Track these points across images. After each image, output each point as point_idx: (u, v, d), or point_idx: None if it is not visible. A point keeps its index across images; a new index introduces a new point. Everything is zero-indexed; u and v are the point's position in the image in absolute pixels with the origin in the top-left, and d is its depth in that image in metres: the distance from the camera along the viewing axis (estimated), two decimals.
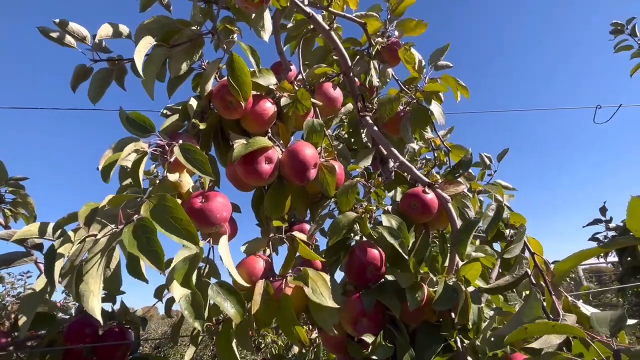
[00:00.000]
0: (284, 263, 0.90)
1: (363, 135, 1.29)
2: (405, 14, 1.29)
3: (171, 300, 0.84)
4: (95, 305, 0.60)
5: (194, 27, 0.87)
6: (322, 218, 0.98)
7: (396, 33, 1.29)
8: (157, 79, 0.87)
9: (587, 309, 0.67)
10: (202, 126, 0.86)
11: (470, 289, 0.82)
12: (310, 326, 0.95)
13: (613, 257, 2.35)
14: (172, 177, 0.78)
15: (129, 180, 0.75)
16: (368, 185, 1.00)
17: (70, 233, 0.60)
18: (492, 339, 0.68)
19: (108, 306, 1.14)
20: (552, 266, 0.82)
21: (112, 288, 0.75)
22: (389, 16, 1.28)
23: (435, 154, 1.45)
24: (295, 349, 1.28)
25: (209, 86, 0.89)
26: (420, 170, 1.31)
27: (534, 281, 0.73)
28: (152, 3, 1.05)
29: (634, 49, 2.23)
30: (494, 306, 0.86)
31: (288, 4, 0.99)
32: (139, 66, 0.75)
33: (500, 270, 0.91)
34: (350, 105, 1.29)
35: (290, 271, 0.88)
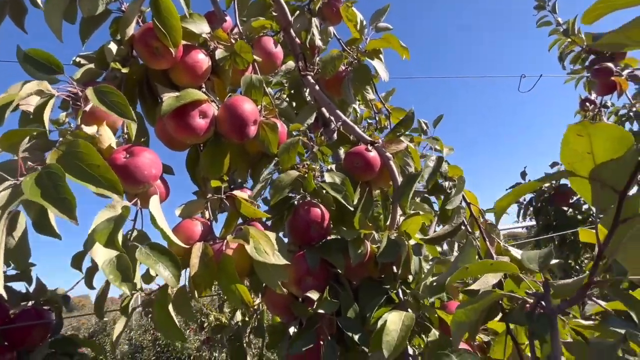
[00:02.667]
0: (224, 224, 0.85)
1: (306, 94, 1.25)
2: None
3: (93, 269, 0.74)
4: None
5: None
6: (264, 179, 0.93)
7: None
8: (67, 20, 0.74)
9: (517, 252, 0.72)
10: (124, 70, 0.75)
11: (412, 242, 0.84)
12: (253, 291, 0.92)
13: (529, 221, 2.61)
14: (89, 129, 0.67)
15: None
16: (311, 144, 0.97)
17: None
18: (434, 284, 0.71)
19: (22, 286, 1.01)
20: (486, 215, 0.87)
21: (17, 260, 0.64)
22: None
23: (377, 118, 1.46)
24: (238, 317, 1.24)
25: (131, 30, 0.78)
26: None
27: (470, 229, 0.76)
28: None
29: (552, 26, 2.42)
30: (431, 259, 0.89)
31: None
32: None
33: (437, 226, 0.95)
34: (291, 63, 1.23)
35: (232, 233, 0.83)
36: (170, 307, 0.71)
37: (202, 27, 0.87)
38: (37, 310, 0.99)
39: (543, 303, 0.49)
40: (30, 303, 1.02)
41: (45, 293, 1.03)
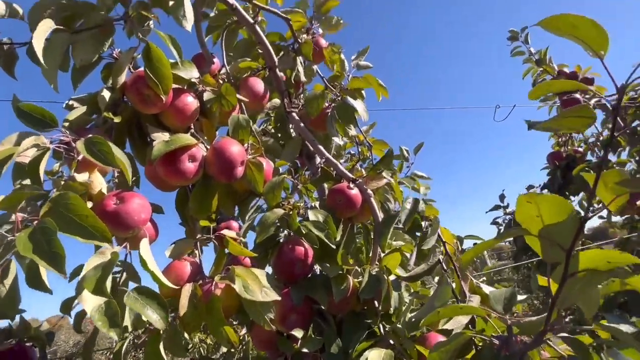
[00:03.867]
0: (214, 263, 0.88)
1: (291, 129, 1.30)
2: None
3: (81, 314, 0.76)
4: None
5: (102, 12, 0.78)
6: (251, 218, 0.97)
7: (320, 30, 1.31)
8: (60, 69, 0.78)
9: (487, 289, 0.77)
10: (116, 119, 0.79)
11: (392, 277, 0.88)
12: (240, 325, 0.95)
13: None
14: (80, 177, 0.70)
15: (27, 181, 0.66)
16: (295, 182, 1.01)
17: None
18: (412, 320, 0.75)
19: (5, 323, 1.00)
20: (463, 251, 0.92)
21: (7, 309, 0.66)
22: (314, 13, 1.30)
23: (359, 149, 1.52)
24: (224, 349, 1.25)
25: (123, 77, 0.82)
26: (345, 164, 1.36)
27: (445, 267, 0.81)
28: None
29: (525, 55, 2.57)
30: (412, 291, 0.93)
31: None
32: (39, 53, 0.65)
33: (416, 258, 0.99)
34: (277, 100, 1.28)
35: (221, 272, 0.86)
36: (161, 346, 0.73)
37: (191, 73, 0.92)
38: (22, 347, 0.98)
39: (507, 345, 0.53)
40: (13, 340, 1.01)
41: (30, 330, 1.03)
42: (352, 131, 1.27)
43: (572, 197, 2.28)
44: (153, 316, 0.67)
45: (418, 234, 1.11)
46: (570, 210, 0.44)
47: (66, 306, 0.73)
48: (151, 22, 0.88)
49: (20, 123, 0.70)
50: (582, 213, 0.45)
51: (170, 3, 0.90)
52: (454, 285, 0.80)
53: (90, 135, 0.68)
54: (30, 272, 0.54)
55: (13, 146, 0.61)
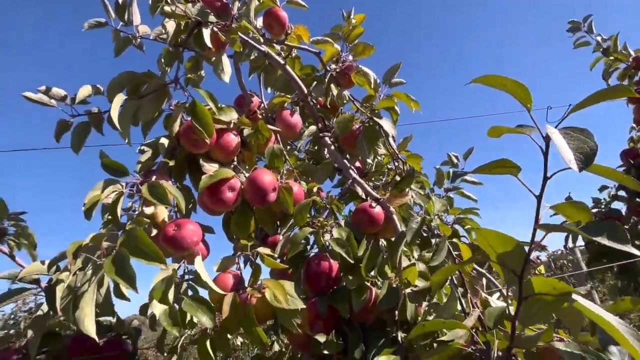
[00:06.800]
0: (251, 275, 1.04)
1: (325, 152, 1.42)
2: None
3: (154, 317, 0.98)
4: (90, 327, 0.74)
5: (158, 79, 1.00)
6: (286, 236, 1.12)
7: (350, 57, 1.42)
8: (132, 124, 1.01)
9: (495, 303, 0.81)
10: (171, 163, 0.99)
11: (409, 290, 0.96)
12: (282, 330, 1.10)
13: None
14: (148, 210, 0.92)
15: (110, 216, 0.89)
16: (325, 202, 1.14)
17: (64, 273, 0.74)
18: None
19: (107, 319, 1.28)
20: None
21: (105, 312, 0.89)
22: (343, 43, 1.41)
23: (396, 163, 1.59)
24: (276, 348, 1.42)
25: (176, 127, 1.03)
26: (384, 178, 1.45)
27: (455, 282, 0.87)
28: (125, 48, 1.19)
29: (591, 45, 2.36)
30: (432, 301, 0.99)
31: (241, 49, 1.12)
32: (116, 122, 0.88)
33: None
34: (314, 127, 1.42)
35: (259, 283, 1.02)
36: (208, 344, 0.91)
37: (231, 116, 1.09)
38: (118, 341, 1.25)
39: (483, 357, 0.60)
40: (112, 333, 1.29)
41: (124, 326, 1.30)
42: (382, 149, 1.35)
43: None
44: (203, 318, 0.85)
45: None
46: (514, 242, 0.50)
47: (144, 310, 0.95)
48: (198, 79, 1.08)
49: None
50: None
51: (213, 59, 1.10)
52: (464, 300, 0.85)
53: (154, 178, 0.89)
54: (116, 286, 0.75)
55: (100, 192, 0.83)
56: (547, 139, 0.46)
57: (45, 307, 0.79)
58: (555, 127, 0.45)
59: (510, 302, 0.67)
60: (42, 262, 0.81)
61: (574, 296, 0.51)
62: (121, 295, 0.77)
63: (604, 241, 0.40)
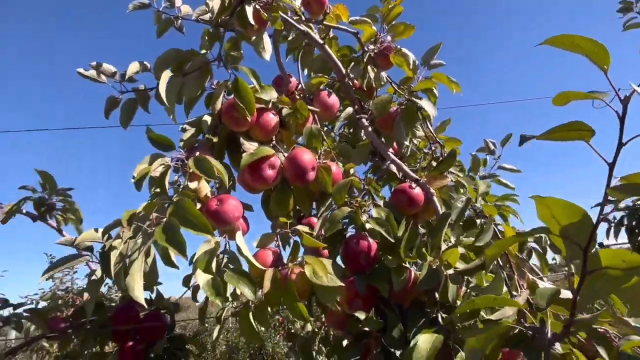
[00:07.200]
0: (290, 252, 1.05)
1: (362, 134, 1.41)
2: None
3: (197, 287, 1.00)
4: (140, 294, 0.77)
5: (202, 57, 1.01)
6: (324, 215, 1.12)
7: (389, 38, 1.39)
8: (176, 102, 1.03)
9: (545, 284, 0.79)
10: (214, 140, 1.01)
11: (451, 271, 0.94)
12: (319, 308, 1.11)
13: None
14: (192, 184, 0.94)
15: (157, 189, 0.92)
16: (363, 183, 1.13)
17: (117, 240, 0.77)
18: (467, 312, 0.80)
19: (147, 294, 1.34)
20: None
21: (150, 281, 0.92)
22: (382, 24, 1.38)
23: (433, 147, 1.56)
24: (309, 327, 1.44)
25: (219, 104, 1.04)
26: (421, 162, 1.43)
27: (501, 264, 0.84)
28: (167, 29, 1.21)
29: None
30: (472, 285, 0.97)
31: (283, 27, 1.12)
32: (164, 97, 0.90)
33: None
34: (350, 109, 1.41)
35: (298, 259, 1.03)
36: (251, 316, 0.92)
37: (271, 95, 1.10)
38: (158, 313, 1.30)
39: (538, 335, 0.58)
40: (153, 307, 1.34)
41: (163, 301, 1.35)
42: (419, 132, 1.33)
43: None
44: (245, 289, 0.86)
45: None
46: (582, 212, 0.48)
47: (187, 280, 0.98)
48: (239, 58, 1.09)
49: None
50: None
51: (253, 38, 1.10)
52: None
53: (197, 154, 0.91)
54: (164, 254, 0.77)
55: (148, 165, 0.86)
56: (625, 100, 0.43)
57: (98, 273, 0.83)
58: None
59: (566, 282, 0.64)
60: (96, 230, 0.84)
61: None
62: (170, 263, 0.79)
63: None
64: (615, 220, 2.14)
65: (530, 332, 0.60)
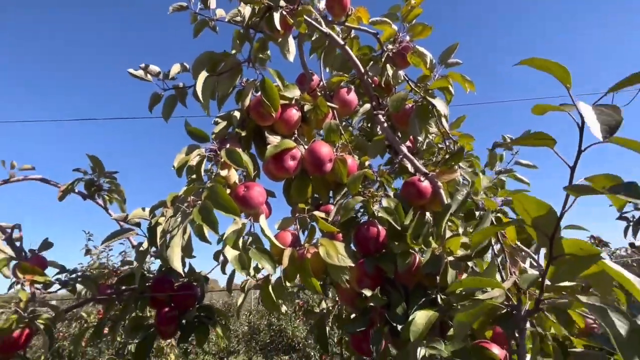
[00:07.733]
0: (307, 235, 1.17)
1: (378, 129, 1.50)
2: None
3: (225, 261, 1.15)
4: (178, 264, 0.92)
5: (234, 58, 1.13)
6: (339, 203, 1.23)
7: (407, 38, 1.46)
8: (210, 98, 1.16)
9: (532, 272, 0.87)
10: (243, 133, 1.14)
11: (452, 258, 1.04)
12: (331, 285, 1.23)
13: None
14: (223, 172, 1.07)
15: (194, 176, 1.06)
16: (376, 175, 1.23)
17: (161, 218, 0.91)
18: (462, 293, 0.90)
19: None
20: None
21: (186, 253, 1.07)
22: (402, 24, 1.45)
23: (447, 143, 1.63)
24: (324, 305, 1.57)
25: (247, 101, 1.17)
26: (434, 157, 1.51)
27: (496, 252, 0.93)
28: (202, 29, 1.34)
29: None
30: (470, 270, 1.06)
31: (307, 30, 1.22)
32: (200, 94, 1.03)
33: None
34: (368, 105, 1.50)
35: (314, 241, 1.15)
36: (270, 289, 1.06)
37: (294, 92, 1.21)
38: (190, 285, 1.47)
39: (514, 312, 0.68)
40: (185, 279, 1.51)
41: (194, 274, 1.51)
42: (433, 128, 1.41)
43: None
44: (266, 264, 0.99)
45: None
46: (547, 207, 0.57)
47: (217, 255, 1.12)
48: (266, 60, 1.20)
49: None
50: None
51: (279, 40, 1.21)
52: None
53: (229, 146, 1.04)
54: (199, 231, 0.91)
55: (186, 155, 1.00)
56: (582, 114, 0.52)
57: (145, 244, 0.98)
58: (592, 104, 0.51)
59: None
60: (143, 209, 0.99)
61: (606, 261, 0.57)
62: (204, 239, 0.93)
63: (622, 197, 0.46)
64: (634, 219, 2.14)
65: (509, 309, 0.69)
